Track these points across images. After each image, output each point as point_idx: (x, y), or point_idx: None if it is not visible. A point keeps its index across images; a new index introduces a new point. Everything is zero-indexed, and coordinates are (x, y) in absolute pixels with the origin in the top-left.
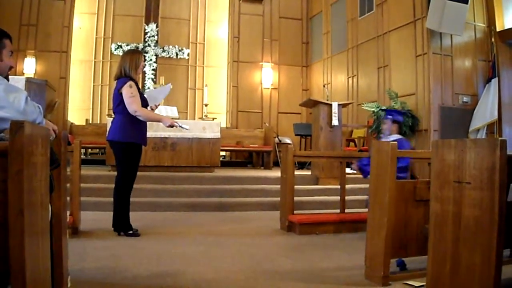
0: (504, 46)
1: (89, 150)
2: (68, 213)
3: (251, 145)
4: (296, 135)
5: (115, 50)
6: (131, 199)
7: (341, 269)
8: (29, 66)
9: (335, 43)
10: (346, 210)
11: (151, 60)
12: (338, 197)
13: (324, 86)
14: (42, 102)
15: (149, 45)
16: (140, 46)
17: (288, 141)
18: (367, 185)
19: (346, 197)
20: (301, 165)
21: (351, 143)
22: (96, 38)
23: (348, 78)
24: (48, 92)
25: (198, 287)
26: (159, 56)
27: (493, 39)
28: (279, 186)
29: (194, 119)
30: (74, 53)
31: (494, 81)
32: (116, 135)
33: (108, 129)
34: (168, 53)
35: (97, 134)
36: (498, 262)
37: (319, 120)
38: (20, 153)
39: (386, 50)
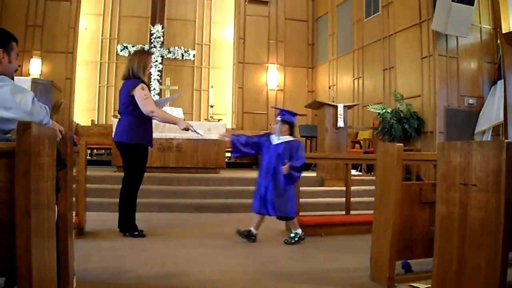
0: (510, 48)
1: (95, 151)
2: (74, 213)
3: None
4: (301, 136)
5: (121, 51)
6: (143, 200)
7: (346, 270)
8: (35, 66)
9: (341, 44)
10: (352, 212)
11: (156, 61)
12: (344, 199)
13: (329, 87)
14: (48, 103)
15: (154, 46)
16: (146, 47)
17: None
18: (373, 187)
19: (352, 199)
20: (307, 167)
21: (357, 145)
22: (102, 39)
23: (353, 79)
24: (54, 93)
25: None
26: (165, 57)
27: (499, 41)
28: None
29: (200, 120)
30: (80, 54)
31: (500, 83)
32: (123, 136)
33: (114, 130)
34: (174, 54)
35: (103, 135)
36: (504, 264)
37: (324, 122)
38: (27, 153)
39: (392, 52)
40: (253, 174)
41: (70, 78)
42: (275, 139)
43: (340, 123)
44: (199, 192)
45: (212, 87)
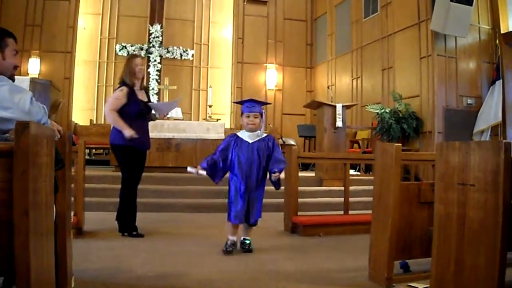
0: (509, 48)
1: (93, 150)
2: (72, 213)
3: None
4: (300, 136)
5: (119, 50)
6: (142, 200)
7: (345, 270)
8: (34, 66)
9: (340, 44)
10: (350, 212)
11: (155, 61)
12: (342, 199)
13: (328, 87)
14: (47, 102)
15: (153, 46)
16: (145, 47)
17: (292, 142)
18: (371, 187)
19: (350, 199)
20: (305, 167)
21: (355, 145)
22: (100, 38)
23: (352, 79)
24: (53, 92)
25: None
26: (164, 57)
27: (497, 41)
28: (283, 187)
29: (198, 120)
30: (78, 54)
31: (498, 83)
32: (116, 138)
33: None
34: (173, 54)
35: (101, 135)
36: (502, 264)
37: (323, 122)
38: (25, 153)
39: (391, 52)
40: None
41: (69, 77)
42: (252, 136)
43: (339, 123)
44: (198, 192)
45: (210, 87)
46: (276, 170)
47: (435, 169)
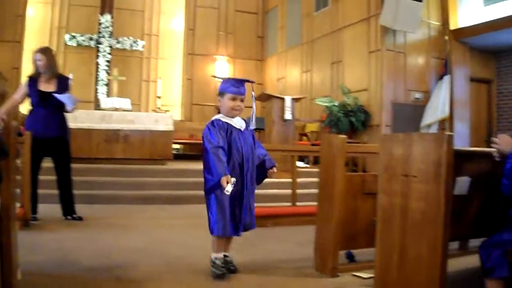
0: (458, 44)
1: None
2: (19, 205)
3: None
4: None
5: (69, 40)
6: (89, 192)
7: (291, 261)
8: None
9: (290, 37)
10: (299, 204)
11: (105, 51)
12: (290, 191)
13: (278, 80)
14: None
15: (103, 36)
16: (95, 37)
17: None
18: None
19: (299, 191)
20: None
21: (304, 137)
22: (51, 28)
23: (302, 73)
24: None
25: (150, 280)
26: (114, 47)
27: (446, 37)
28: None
29: (147, 111)
30: (27, 43)
31: (446, 78)
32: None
33: None
34: (123, 45)
35: None
36: (444, 253)
37: (272, 114)
38: None
39: (340, 46)
40: (201, 166)
41: (17, 67)
42: (239, 123)
43: (288, 116)
44: (146, 183)
45: (160, 78)
46: (274, 165)
47: (379, 160)
